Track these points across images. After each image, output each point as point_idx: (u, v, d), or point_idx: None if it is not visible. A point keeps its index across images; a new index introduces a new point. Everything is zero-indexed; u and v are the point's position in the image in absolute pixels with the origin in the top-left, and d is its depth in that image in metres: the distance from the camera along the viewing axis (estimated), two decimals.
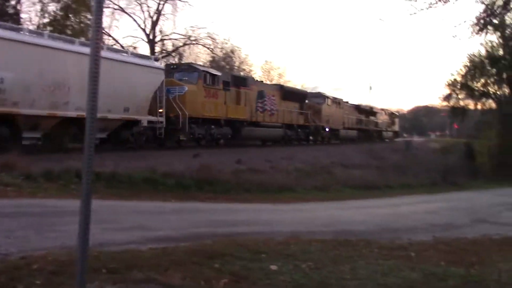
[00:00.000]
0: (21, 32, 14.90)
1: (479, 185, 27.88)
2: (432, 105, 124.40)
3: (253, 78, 29.56)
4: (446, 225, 13.20)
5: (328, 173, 22.13)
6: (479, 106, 43.23)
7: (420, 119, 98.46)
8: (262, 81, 31.07)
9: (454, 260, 7.94)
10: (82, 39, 18.93)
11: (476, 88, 41.86)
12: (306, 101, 33.51)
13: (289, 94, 30.72)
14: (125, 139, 18.81)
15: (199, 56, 40.76)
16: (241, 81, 25.66)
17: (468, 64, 42.07)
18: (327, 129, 35.93)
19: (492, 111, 40.91)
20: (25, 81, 14.26)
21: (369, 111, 47.97)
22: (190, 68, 22.76)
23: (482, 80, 41.90)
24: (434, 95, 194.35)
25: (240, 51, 48.27)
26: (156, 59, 21.97)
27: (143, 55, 21.70)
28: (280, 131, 29.27)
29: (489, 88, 41.95)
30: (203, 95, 22.18)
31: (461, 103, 42.90)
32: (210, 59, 41.77)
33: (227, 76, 24.97)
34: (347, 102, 42.07)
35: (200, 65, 26.04)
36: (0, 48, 13.59)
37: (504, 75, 40.82)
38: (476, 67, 41.24)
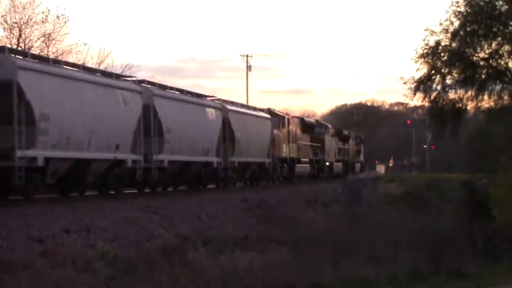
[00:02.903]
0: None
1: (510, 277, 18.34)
2: (370, 101, 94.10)
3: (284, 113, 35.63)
4: None
5: (182, 265, 14.05)
6: (485, 103, 28.35)
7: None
8: (285, 113, 35.71)
9: None
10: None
11: (479, 61, 26.68)
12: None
13: (306, 126, 37.96)
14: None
15: None
16: (285, 118, 33.86)
17: (463, 10, 26.97)
18: (327, 163, 41.16)
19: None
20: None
21: (346, 136, 49.28)
22: (272, 113, 32.57)
23: (494, 44, 27.01)
24: (373, 86, 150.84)
25: None
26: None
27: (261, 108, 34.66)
28: (308, 167, 36.61)
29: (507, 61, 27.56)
30: (285, 137, 32.65)
31: (451, 95, 28.34)
32: None
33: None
34: (332, 128, 45.03)
35: (277, 111, 36.03)
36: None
37: None
38: (479, 14, 26.38)
